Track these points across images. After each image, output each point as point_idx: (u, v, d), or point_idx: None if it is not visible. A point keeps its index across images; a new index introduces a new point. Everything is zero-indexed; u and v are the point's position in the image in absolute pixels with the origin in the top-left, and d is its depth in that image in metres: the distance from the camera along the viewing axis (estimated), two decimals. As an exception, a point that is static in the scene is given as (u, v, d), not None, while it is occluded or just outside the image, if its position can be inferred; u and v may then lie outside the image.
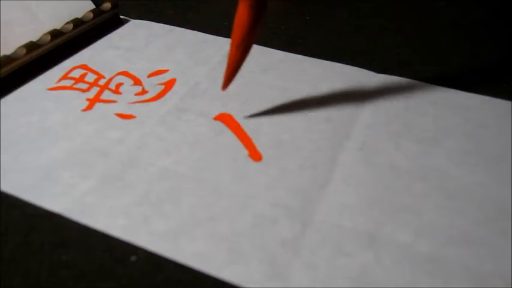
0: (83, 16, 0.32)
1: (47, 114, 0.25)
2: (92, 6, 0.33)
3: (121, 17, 0.35)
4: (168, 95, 0.27)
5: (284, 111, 0.26)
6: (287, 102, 0.26)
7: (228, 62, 0.23)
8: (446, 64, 0.30)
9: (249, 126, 0.24)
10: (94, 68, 0.29)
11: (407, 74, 0.29)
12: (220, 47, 0.31)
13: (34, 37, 0.29)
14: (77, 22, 0.31)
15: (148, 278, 0.17)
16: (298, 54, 0.30)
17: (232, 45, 0.22)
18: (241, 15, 0.21)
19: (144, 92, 0.27)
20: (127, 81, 0.28)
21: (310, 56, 0.30)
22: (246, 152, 0.23)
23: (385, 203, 0.20)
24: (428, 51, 0.32)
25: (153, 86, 0.28)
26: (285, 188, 0.21)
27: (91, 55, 0.30)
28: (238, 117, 0.25)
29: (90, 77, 0.28)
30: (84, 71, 0.29)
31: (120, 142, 0.23)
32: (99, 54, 0.30)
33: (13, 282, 0.17)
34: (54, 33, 0.29)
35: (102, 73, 0.28)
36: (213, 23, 0.35)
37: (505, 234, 0.19)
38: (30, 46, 0.28)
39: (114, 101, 0.26)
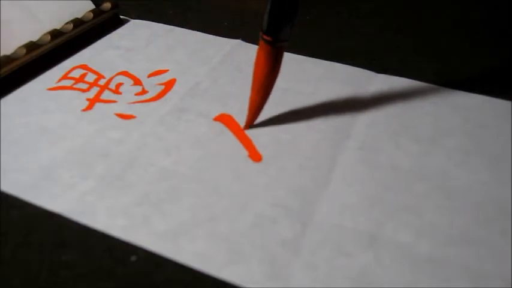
0: (83, 16, 0.32)
1: (47, 114, 0.25)
2: (92, 6, 0.33)
3: (121, 17, 0.35)
4: (168, 95, 0.27)
5: (284, 111, 0.26)
6: (287, 102, 0.26)
7: (249, 105, 0.24)
8: (446, 64, 0.30)
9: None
10: (94, 68, 0.29)
11: (407, 74, 0.29)
12: (220, 47, 0.31)
13: (34, 37, 0.29)
14: (77, 22, 0.31)
15: (148, 278, 0.17)
16: (298, 54, 0.30)
17: (252, 90, 0.23)
18: (260, 62, 0.22)
19: (144, 92, 0.27)
20: (127, 81, 0.28)
21: (310, 56, 0.30)
22: (246, 152, 0.23)
23: (385, 203, 0.20)
24: (428, 51, 0.32)
25: (153, 86, 0.28)
26: (285, 188, 0.21)
27: (91, 55, 0.30)
28: (238, 118, 0.25)
29: (90, 77, 0.28)
30: (84, 71, 0.29)
31: (120, 142, 0.23)
32: (99, 54, 0.30)
33: (13, 282, 0.17)
34: (54, 33, 0.29)
35: (102, 73, 0.28)
36: (213, 23, 0.35)
37: (505, 234, 0.19)
38: (30, 46, 0.28)
39: (114, 101, 0.26)
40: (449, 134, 0.24)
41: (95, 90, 0.27)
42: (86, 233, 0.19)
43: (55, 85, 0.27)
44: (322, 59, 0.30)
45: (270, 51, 0.22)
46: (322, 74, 0.29)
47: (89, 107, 0.26)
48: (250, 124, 0.24)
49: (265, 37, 0.21)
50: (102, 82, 0.28)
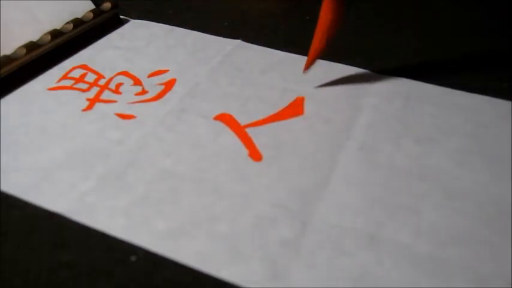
0: (83, 16, 0.32)
1: (47, 114, 0.25)
2: (92, 6, 0.33)
3: (121, 17, 0.35)
4: (168, 95, 0.27)
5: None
6: (287, 102, 0.26)
7: (311, 53, 0.26)
8: (446, 64, 0.30)
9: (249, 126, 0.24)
10: (94, 68, 0.29)
11: (407, 74, 0.29)
12: (220, 47, 0.31)
13: (34, 37, 0.29)
14: (77, 22, 0.31)
15: (148, 278, 0.17)
16: (298, 54, 0.30)
17: (315, 40, 0.26)
18: (325, 14, 0.25)
19: (144, 92, 0.27)
20: (127, 81, 0.28)
21: (310, 56, 0.30)
22: (246, 152, 0.23)
23: (385, 203, 0.20)
24: (428, 51, 0.32)
25: (153, 86, 0.28)
26: (285, 188, 0.21)
27: (91, 55, 0.30)
28: (238, 118, 0.25)
29: (90, 77, 0.28)
30: (84, 71, 0.29)
31: (120, 142, 0.23)
32: (99, 54, 0.30)
33: (13, 282, 0.17)
34: (54, 33, 0.29)
35: (102, 73, 0.28)
36: (213, 23, 0.35)
37: (505, 234, 0.19)
38: (30, 46, 0.28)
39: (114, 101, 0.26)
40: (449, 134, 0.24)
41: (95, 90, 0.27)
42: (85, 233, 0.19)
43: (55, 85, 0.27)
44: (322, 59, 0.30)
45: (333, 2, 0.24)
46: (322, 74, 0.29)
47: (89, 107, 0.26)
48: (310, 66, 0.27)
49: None
50: (102, 82, 0.28)
